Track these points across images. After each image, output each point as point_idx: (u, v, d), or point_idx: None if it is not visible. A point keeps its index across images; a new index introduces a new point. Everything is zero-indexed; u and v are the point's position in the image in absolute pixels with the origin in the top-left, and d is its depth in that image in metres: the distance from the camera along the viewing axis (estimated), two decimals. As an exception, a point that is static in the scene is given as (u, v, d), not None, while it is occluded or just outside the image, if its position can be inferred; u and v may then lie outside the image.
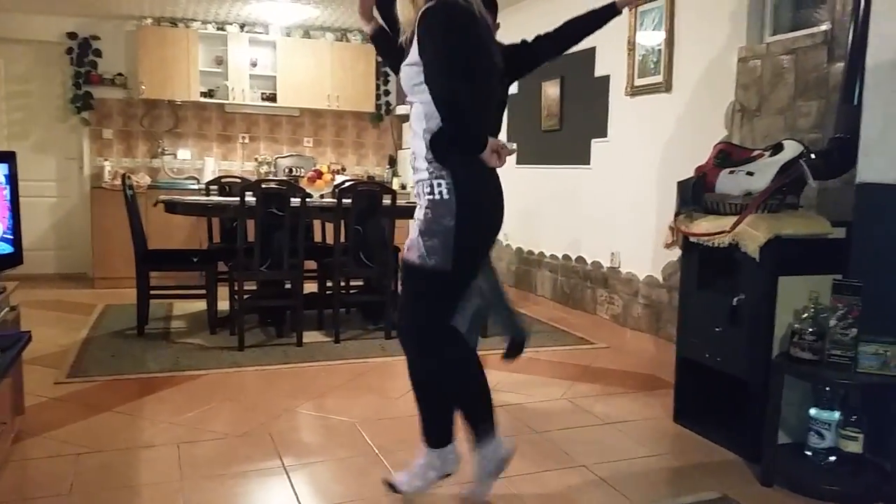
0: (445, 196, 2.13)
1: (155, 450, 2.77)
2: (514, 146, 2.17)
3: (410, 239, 2.23)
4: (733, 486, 2.55)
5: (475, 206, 2.17)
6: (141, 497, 2.39)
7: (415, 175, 2.23)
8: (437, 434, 2.35)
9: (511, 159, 5.72)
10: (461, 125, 2.10)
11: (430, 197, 2.15)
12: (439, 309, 2.26)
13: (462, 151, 2.14)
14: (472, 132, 2.12)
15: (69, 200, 6.77)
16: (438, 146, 2.13)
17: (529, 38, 3.01)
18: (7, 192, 2.76)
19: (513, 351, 3.38)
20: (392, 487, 2.36)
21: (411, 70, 2.14)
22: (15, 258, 2.80)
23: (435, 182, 2.14)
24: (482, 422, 2.31)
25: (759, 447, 2.62)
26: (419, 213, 2.20)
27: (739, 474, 2.66)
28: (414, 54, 2.11)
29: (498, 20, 3.10)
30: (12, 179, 2.78)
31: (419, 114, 2.17)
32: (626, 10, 2.87)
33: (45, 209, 6.67)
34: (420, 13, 2.08)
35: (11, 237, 2.78)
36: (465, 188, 2.14)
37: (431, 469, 2.35)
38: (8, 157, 2.80)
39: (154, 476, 2.54)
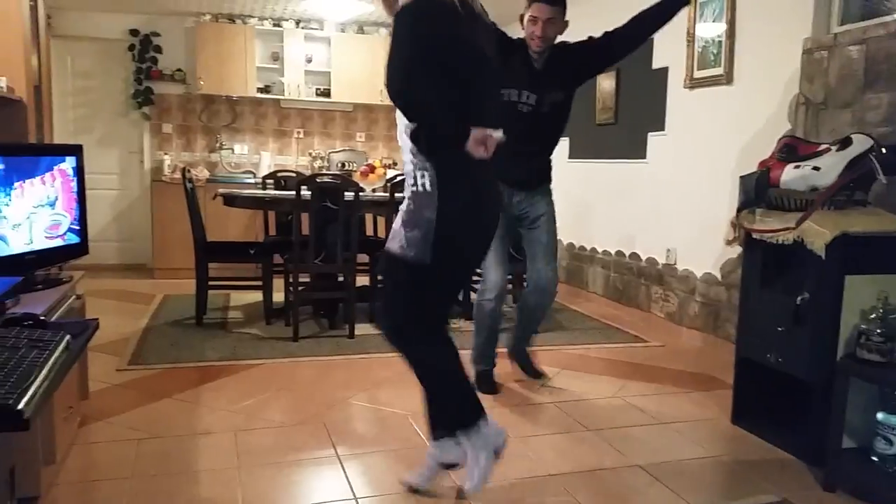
0: (428, 188, 2.14)
1: (213, 437, 2.83)
2: (500, 133, 2.11)
3: (394, 229, 2.23)
4: (793, 489, 2.48)
5: (457, 199, 2.14)
6: (199, 483, 2.44)
7: (404, 167, 2.25)
8: (471, 409, 2.30)
9: (562, 153, 5.68)
10: (426, 126, 2.09)
11: (414, 188, 2.17)
12: (417, 301, 2.25)
13: (441, 146, 2.12)
14: (445, 130, 2.09)
15: (131, 193, 6.97)
16: (420, 140, 2.13)
17: (597, 35, 3.05)
18: (75, 185, 2.85)
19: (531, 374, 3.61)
20: (459, 493, 2.35)
21: None
22: (81, 248, 2.90)
23: (418, 173, 2.15)
24: (461, 415, 2.29)
25: (821, 451, 2.53)
26: (403, 204, 2.22)
27: (800, 478, 2.58)
28: None
29: (567, 17, 3.11)
30: (79, 172, 2.87)
31: None
32: None
33: (108, 201, 6.88)
34: (399, 8, 2.08)
35: (78, 228, 2.88)
36: (448, 181, 2.12)
37: (480, 451, 2.26)
38: (76, 151, 2.89)
39: (212, 462, 2.60)
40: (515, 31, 3.30)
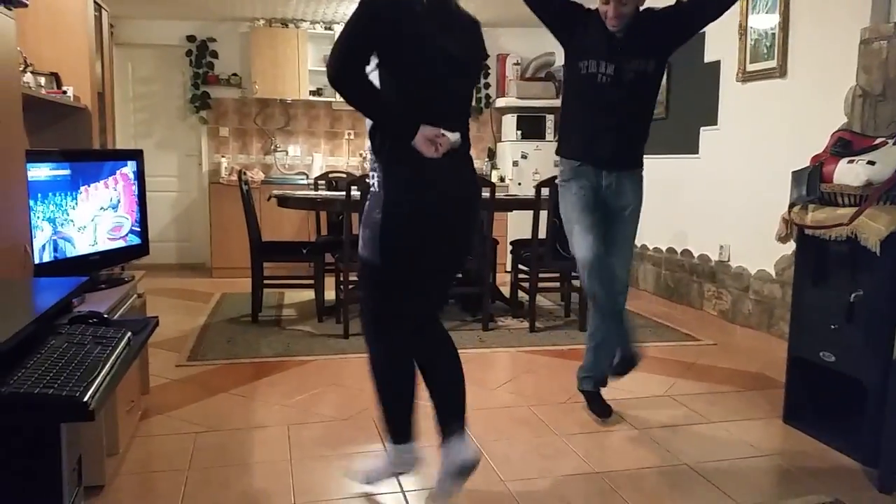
0: (376, 188, 2.13)
1: (267, 430, 2.93)
2: (457, 136, 2.09)
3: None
4: (847, 490, 2.42)
5: (401, 199, 2.09)
6: (253, 474, 2.53)
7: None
8: (394, 428, 2.33)
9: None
10: (360, 110, 2.11)
11: (371, 189, 2.16)
12: (376, 301, 2.25)
13: (396, 146, 2.08)
14: (379, 122, 2.10)
15: (189, 195, 7.20)
16: (374, 139, 2.14)
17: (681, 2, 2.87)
18: (135, 188, 2.98)
19: (621, 367, 3.19)
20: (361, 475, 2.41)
21: None
22: (142, 249, 3.03)
23: (373, 173, 2.15)
24: (388, 428, 2.32)
25: (876, 451, 2.47)
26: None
27: (854, 479, 2.53)
28: None
29: None
30: (140, 176, 3.00)
31: None
32: None
33: (168, 203, 7.12)
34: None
35: (139, 230, 3.01)
36: (393, 181, 2.10)
37: (389, 464, 2.36)
38: (136, 155, 3.02)
39: (265, 455, 2.69)
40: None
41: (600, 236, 2.96)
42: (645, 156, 3.13)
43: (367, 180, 2.20)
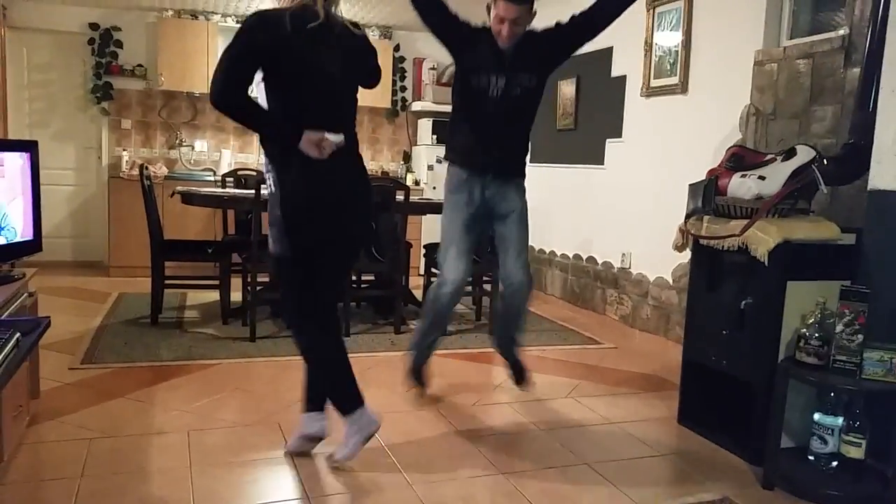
0: (273, 189, 2.40)
1: (166, 436, 2.82)
2: (340, 137, 2.28)
3: None
4: (734, 488, 2.57)
5: (296, 193, 2.35)
6: (151, 482, 2.44)
7: None
8: (350, 396, 2.54)
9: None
10: (243, 124, 2.41)
11: (269, 190, 2.44)
12: (294, 293, 2.50)
13: (283, 150, 2.35)
14: (263, 131, 2.42)
15: (87, 189, 6.86)
16: (264, 146, 2.43)
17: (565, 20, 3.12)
18: (29, 181, 2.82)
19: (518, 377, 3.56)
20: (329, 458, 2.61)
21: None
22: (35, 245, 2.87)
23: (268, 176, 2.42)
24: (341, 402, 2.54)
25: (761, 450, 2.63)
26: None
27: (741, 477, 2.68)
28: None
29: (535, 9, 3.07)
30: (34, 168, 2.84)
31: None
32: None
33: (64, 197, 6.76)
34: None
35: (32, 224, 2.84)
36: (285, 179, 2.36)
37: (354, 434, 2.53)
38: (30, 147, 2.85)
39: (164, 462, 2.59)
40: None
41: (471, 262, 3.26)
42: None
43: (263, 184, 2.42)
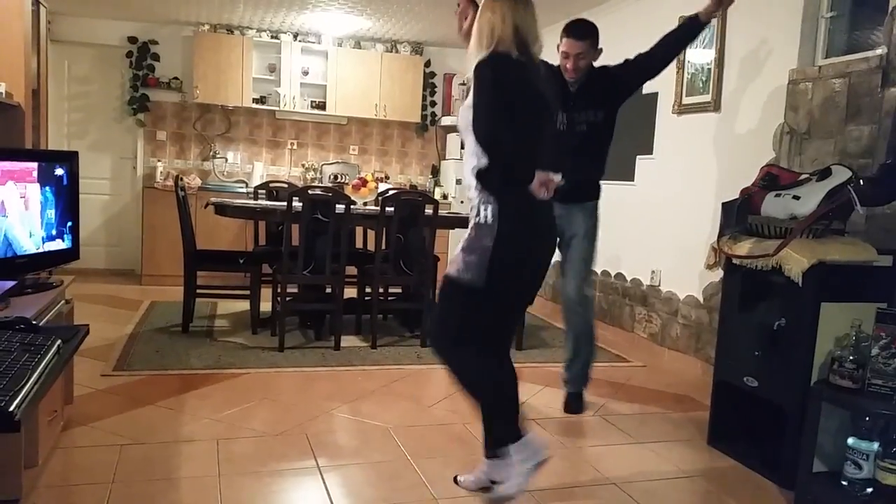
0: (489, 220, 2.33)
1: (195, 444, 2.85)
2: (560, 177, 2.28)
3: (454, 254, 2.42)
4: (766, 512, 2.53)
5: (515, 232, 2.33)
6: (179, 490, 2.47)
7: (470, 201, 2.46)
8: (514, 426, 2.42)
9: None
10: (505, 164, 2.32)
11: (477, 219, 2.37)
12: (471, 321, 2.42)
13: (510, 184, 2.33)
14: (517, 172, 2.33)
15: (122, 199, 6.99)
16: (485, 179, 2.34)
17: (631, 58, 3.32)
18: (68, 190, 2.88)
19: (574, 405, 3.55)
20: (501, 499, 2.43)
21: (467, 112, 2.35)
22: (72, 253, 2.92)
23: (481, 207, 2.35)
24: (514, 421, 2.43)
25: (793, 474, 2.58)
26: (466, 233, 2.41)
27: (772, 501, 2.63)
28: (470, 98, 2.33)
29: (600, 45, 3.33)
30: (73, 178, 2.90)
31: (470, 151, 2.39)
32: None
33: (99, 206, 6.89)
34: (475, 64, 2.32)
35: (70, 233, 2.90)
36: (509, 215, 2.32)
37: (525, 462, 2.37)
38: (70, 157, 2.92)
39: (193, 470, 2.62)
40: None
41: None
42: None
43: (471, 212, 2.41)
